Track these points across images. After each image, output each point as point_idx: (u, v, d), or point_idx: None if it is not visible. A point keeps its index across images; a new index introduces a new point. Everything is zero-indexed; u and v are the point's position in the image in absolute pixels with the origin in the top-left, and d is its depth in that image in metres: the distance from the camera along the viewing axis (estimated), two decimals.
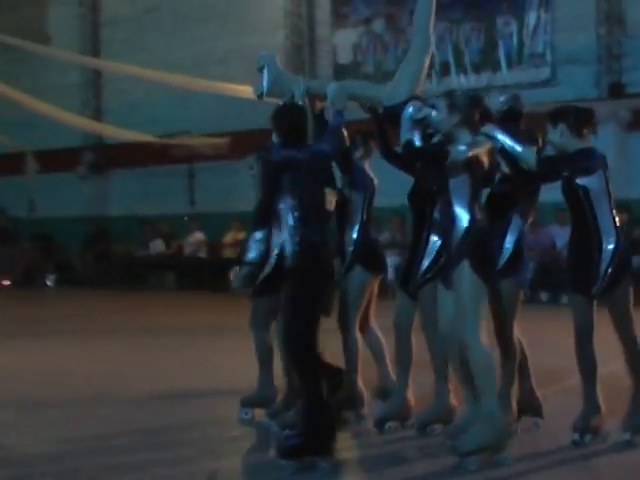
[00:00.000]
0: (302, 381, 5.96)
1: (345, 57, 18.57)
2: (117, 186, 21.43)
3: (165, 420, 7.16)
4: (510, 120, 6.45)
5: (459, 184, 6.00)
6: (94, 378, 8.80)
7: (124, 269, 19.95)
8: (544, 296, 15.20)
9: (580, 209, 6.08)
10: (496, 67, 16.89)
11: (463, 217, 5.98)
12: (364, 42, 18.35)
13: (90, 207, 21.86)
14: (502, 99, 6.68)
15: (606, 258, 5.99)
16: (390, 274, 16.38)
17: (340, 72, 18.57)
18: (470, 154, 5.95)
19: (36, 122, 19.65)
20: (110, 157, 21.25)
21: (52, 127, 19.57)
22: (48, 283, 20.47)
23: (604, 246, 6.01)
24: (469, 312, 5.91)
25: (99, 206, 21.85)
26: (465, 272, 5.89)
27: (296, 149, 6.06)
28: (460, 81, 17.17)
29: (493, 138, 6.04)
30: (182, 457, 6.13)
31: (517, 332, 6.51)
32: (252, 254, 6.06)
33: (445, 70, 17.32)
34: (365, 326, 7.15)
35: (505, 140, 6.04)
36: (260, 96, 7.22)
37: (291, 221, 5.97)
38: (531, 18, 16.53)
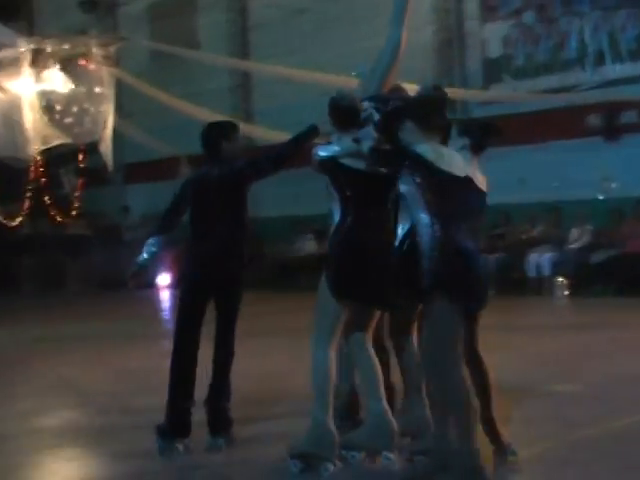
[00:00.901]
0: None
1: (495, 51, 18.27)
2: (268, 188, 21.53)
3: None
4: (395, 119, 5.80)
5: (330, 187, 5.97)
6: (261, 378, 8.83)
7: (275, 270, 20.05)
8: None
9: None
10: None
11: (334, 223, 5.92)
12: (514, 35, 18.01)
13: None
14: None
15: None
16: (546, 269, 16.23)
17: (490, 66, 18.30)
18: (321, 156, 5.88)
19: (189, 126, 19.95)
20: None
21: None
22: None
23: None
24: (315, 323, 5.89)
25: (250, 207, 22.05)
26: (321, 284, 5.84)
27: (209, 165, 6.61)
28: (616, 70, 16.68)
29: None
30: None
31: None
32: (142, 256, 6.60)
33: (600, 59, 16.83)
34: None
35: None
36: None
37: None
38: None
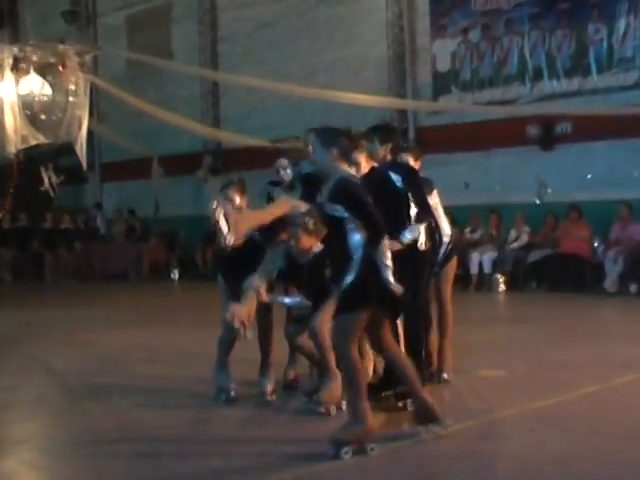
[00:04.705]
0: None
1: (443, 65, 18.45)
2: None
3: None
4: None
5: None
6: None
7: None
8: (633, 288, 14.87)
9: None
10: (587, 72, 16.59)
11: None
12: (461, 51, 18.22)
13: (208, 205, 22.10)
14: None
15: None
16: (487, 267, 16.46)
17: (439, 79, 18.49)
18: None
19: (161, 130, 20.09)
20: (228, 160, 21.55)
21: (175, 134, 19.99)
22: (172, 276, 20.82)
23: None
24: None
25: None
26: None
27: None
28: (553, 86, 16.92)
29: None
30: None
31: None
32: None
33: (538, 75, 17.07)
34: None
35: None
36: None
37: None
38: (621, 24, 16.16)
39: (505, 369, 8.37)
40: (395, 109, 18.67)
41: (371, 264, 5.70)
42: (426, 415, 5.98)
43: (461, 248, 16.87)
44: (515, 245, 16.60)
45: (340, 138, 5.90)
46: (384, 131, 7.23)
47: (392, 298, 5.77)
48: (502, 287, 15.96)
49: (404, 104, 18.58)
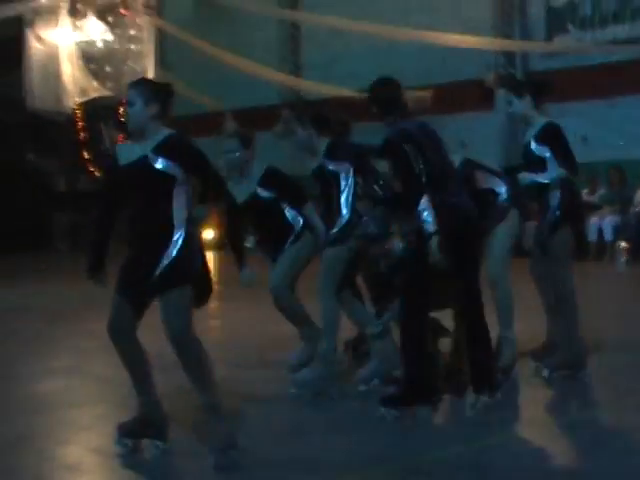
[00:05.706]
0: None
1: None
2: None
3: None
4: None
5: None
6: None
7: None
8: None
9: None
10: None
11: None
12: None
13: (289, 166, 22.18)
14: None
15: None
16: (608, 234, 16.28)
17: (554, 15, 18.25)
18: None
19: (233, 80, 20.21)
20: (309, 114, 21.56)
21: (249, 85, 20.09)
22: (247, 245, 20.87)
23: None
24: None
25: (297, 165, 22.21)
26: None
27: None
28: None
29: None
30: None
31: None
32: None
33: None
34: None
35: None
36: None
37: None
38: None
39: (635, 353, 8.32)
40: (501, 52, 18.55)
41: (195, 241, 5.62)
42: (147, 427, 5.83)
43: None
44: None
45: (164, 93, 5.66)
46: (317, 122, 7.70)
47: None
48: (626, 257, 15.78)
49: (512, 45, 18.48)
